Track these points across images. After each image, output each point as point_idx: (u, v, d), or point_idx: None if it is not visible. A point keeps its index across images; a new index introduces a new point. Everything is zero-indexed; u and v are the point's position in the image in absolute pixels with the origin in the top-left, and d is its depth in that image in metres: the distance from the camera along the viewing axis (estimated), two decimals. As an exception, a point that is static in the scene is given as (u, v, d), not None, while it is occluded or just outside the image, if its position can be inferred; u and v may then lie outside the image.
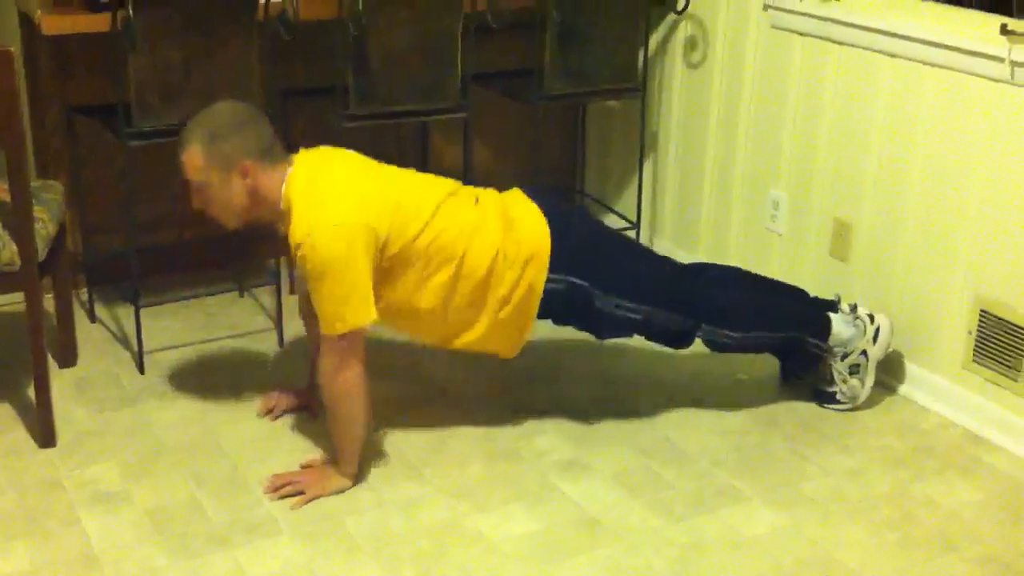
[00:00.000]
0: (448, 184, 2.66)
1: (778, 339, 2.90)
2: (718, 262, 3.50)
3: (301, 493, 2.51)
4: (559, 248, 2.61)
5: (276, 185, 2.48)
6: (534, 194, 2.71)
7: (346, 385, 2.48)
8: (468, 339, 2.65)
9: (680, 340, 2.81)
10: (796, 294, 3.01)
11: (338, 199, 2.44)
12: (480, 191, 2.70)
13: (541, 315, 2.67)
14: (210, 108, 2.50)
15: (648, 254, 2.94)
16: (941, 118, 2.85)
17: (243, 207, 2.50)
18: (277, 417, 2.83)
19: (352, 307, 2.41)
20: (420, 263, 2.52)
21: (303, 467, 2.62)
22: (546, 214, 2.64)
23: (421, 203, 2.54)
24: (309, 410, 2.84)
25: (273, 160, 2.49)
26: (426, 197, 2.56)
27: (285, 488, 2.53)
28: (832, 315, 2.90)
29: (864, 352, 2.88)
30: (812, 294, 3.02)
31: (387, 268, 2.50)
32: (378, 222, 2.44)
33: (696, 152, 3.64)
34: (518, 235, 2.59)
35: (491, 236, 2.58)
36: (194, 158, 2.45)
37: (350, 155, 2.62)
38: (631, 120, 3.81)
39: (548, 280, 2.61)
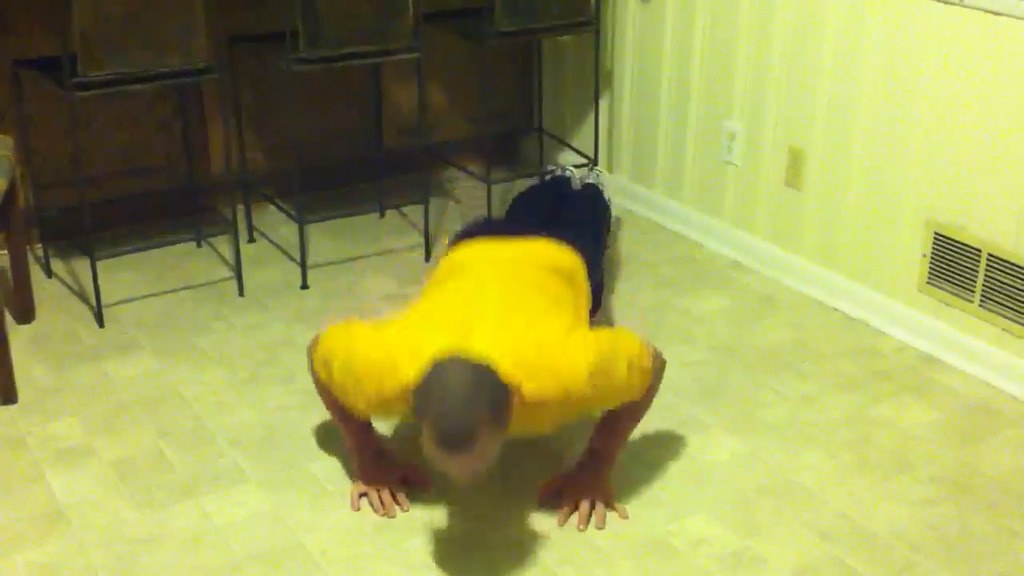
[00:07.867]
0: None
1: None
2: (673, 194, 3.52)
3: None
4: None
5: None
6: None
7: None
8: None
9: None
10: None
11: (555, 333, 2.19)
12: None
13: None
14: (449, 387, 1.94)
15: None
16: (890, 42, 2.86)
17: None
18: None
19: (637, 338, 2.26)
20: None
21: (564, 486, 2.35)
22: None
23: None
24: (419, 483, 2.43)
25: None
26: None
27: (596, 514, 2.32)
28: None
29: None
30: (766, 224, 3.03)
31: None
32: None
33: (651, 86, 3.64)
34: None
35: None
36: (491, 443, 1.98)
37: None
38: (585, 56, 3.79)
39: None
